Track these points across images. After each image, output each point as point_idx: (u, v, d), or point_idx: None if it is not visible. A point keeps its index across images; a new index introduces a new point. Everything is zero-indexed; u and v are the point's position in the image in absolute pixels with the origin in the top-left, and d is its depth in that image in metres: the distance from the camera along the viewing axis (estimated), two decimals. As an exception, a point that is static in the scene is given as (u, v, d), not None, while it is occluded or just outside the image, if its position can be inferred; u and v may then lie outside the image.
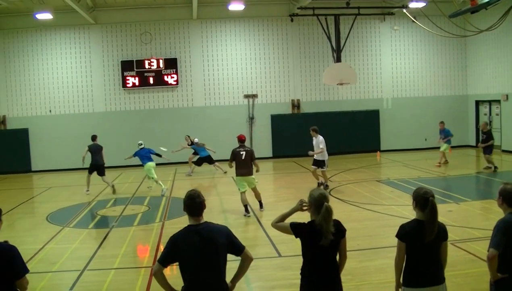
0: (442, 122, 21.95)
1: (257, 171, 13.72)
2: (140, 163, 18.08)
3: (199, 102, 26.18)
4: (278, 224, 5.31)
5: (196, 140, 21.99)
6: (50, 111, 25.77)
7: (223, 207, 14.74)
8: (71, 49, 25.80)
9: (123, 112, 25.90)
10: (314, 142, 16.56)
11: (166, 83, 25.78)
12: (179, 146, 22.03)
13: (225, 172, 21.25)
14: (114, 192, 17.80)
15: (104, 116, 25.67)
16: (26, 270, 4.79)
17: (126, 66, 25.59)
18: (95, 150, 18.60)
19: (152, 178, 17.77)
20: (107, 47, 25.87)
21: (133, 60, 25.59)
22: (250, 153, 13.47)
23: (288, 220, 5.27)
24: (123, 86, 25.70)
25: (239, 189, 13.47)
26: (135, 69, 25.57)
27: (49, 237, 12.06)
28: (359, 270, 8.60)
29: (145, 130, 25.18)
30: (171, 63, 25.74)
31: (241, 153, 13.35)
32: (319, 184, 16.42)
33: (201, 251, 4.75)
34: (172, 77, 25.73)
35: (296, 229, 5.10)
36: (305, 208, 5.23)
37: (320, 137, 16.37)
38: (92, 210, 15.36)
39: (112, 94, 25.90)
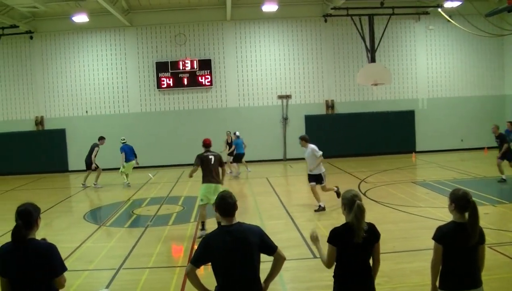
0: (509, 122, 20.00)
1: (222, 178, 11.82)
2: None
3: (233, 103, 26.26)
4: (325, 258, 5.16)
5: (237, 133, 21.97)
6: (87, 112, 26.22)
7: (258, 207, 14.72)
8: (107, 51, 26.20)
9: (158, 113, 26.16)
10: (305, 154, 13.82)
11: (200, 84, 25.91)
12: (224, 146, 22.07)
13: (239, 173, 21.86)
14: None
15: (139, 117, 25.96)
16: (64, 268, 4.83)
17: (161, 67, 25.85)
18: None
19: (126, 174, 19.69)
20: (142, 49, 26.18)
21: (167, 62, 25.84)
22: (218, 158, 11.76)
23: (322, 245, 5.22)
24: (157, 87, 25.96)
25: (200, 200, 11.62)
26: (170, 70, 25.81)
27: (86, 235, 12.22)
28: (396, 272, 8.48)
29: (179, 130, 25.39)
30: (205, 64, 25.87)
31: (210, 157, 11.62)
32: (336, 192, 14.33)
33: (234, 251, 4.73)
34: (206, 78, 25.86)
35: (333, 238, 5.04)
36: (314, 234, 5.38)
37: (312, 146, 13.63)
38: (128, 209, 15.54)
39: (147, 95, 26.20)
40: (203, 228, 11.57)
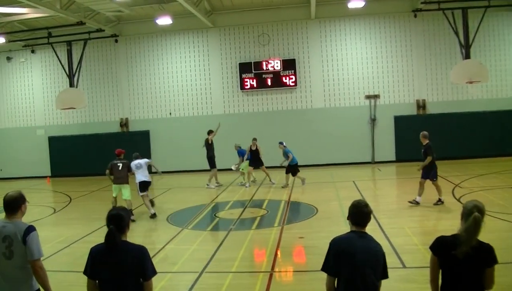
0: None
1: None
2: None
3: (318, 104, 26.12)
4: (433, 281, 5.01)
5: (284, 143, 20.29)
6: (170, 113, 26.99)
7: (343, 212, 14.51)
8: (190, 52, 26.81)
9: (241, 115, 26.48)
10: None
11: (285, 85, 25.96)
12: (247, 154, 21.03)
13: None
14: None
15: (222, 118, 26.18)
16: (155, 272, 4.98)
17: (244, 68, 26.13)
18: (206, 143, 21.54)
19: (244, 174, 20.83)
20: (225, 50, 26.58)
21: (251, 62, 26.08)
22: (127, 165, 15.34)
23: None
24: (241, 88, 26.27)
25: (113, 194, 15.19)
26: (253, 71, 26.03)
27: (169, 237, 12.51)
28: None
29: (263, 132, 25.46)
30: (290, 64, 25.90)
31: (118, 164, 15.31)
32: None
33: (359, 258, 4.73)
34: (290, 79, 25.87)
35: (437, 247, 4.88)
36: None
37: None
38: (210, 212, 15.79)
39: (230, 97, 26.56)
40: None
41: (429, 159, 14.41)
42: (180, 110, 27.00)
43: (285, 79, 25.92)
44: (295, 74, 25.86)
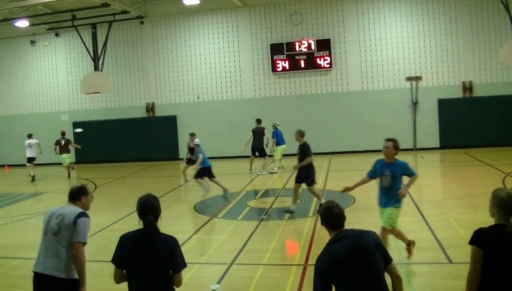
0: None
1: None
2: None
3: (355, 86, 25.67)
4: (475, 276, 4.71)
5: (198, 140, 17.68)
6: (198, 97, 26.95)
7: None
8: (218, 34, 26.64)
9: (273, 99, 26.22)
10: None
11: (319, 67, 25.58)
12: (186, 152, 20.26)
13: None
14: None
15: (253, 102, 26.15)
16: (185, 265, 4.96)
17: (276, 49, 25.84)
18: (258, 132, 21.17)
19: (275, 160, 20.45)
20: (256, 30, 26.31)
21: (283, 43, 25.78)
22: (67, 141, 22.58)
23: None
24: (272, 71, 26.00)
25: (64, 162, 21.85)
26: (285, 52, 25.73)
27: (197, 227, 12.40)
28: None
29: (296, 116, 25.18)
30: (324, 45, 25.48)
31: (61, 141, 22.46)
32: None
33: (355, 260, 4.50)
34: (325, 60, 25.48)
35: (479, 240, 4.61)
36: None
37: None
38: (241, 201, 15.62)
39: (261, 79, 26.34)
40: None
41: (308, 160, 13.04)
42: (208, 95, 26.92)
43: (319, 60, 25.54)
44: (330, 55, 25.45)
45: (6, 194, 19.65)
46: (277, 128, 21.09)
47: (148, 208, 4.91)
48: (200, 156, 16.35)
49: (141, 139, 27.39)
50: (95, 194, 16.37)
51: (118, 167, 25.28)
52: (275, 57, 25.88)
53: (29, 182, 22.21)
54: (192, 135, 19.14)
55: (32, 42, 29.15)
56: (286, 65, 25.82)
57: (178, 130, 27.11)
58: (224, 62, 26.73)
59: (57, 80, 29.20)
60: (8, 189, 20.94)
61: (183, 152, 26.47)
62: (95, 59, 25.75)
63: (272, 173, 20.61)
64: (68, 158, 23.21)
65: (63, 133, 23.61)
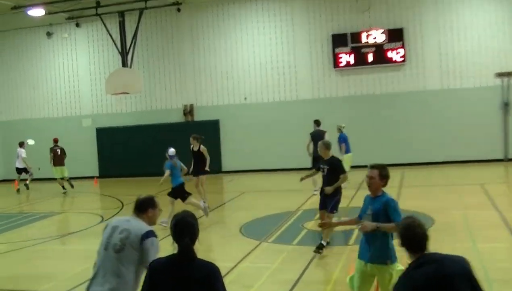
0: None
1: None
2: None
3: (433, 84, 25.41)
4: None
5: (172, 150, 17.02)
6: (245, 99, 27.08)
7: (468, 225, 13.86)
8: (270, 22, 26.74)
9: (334, 99, 26.15)
10: None
11: (390, 61, 25.49)
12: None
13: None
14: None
15: (310, 104, 26.05)
16: None
17: (338, 41, 25.82)
18: (317, 136, 19.23)
19: None
20: (314, 19, 26.33)
21: (346, 34, 25.76)
22: (62, 150, 23.91)
23: None
24: (334, 66, 25.98)
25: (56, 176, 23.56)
26: (350, 45, 25.70)
27: (243, 253, 12.31)
28: None
29: (362, 121, 25.04)
30: (396, 35, 25.38)
31: (57, 149, 23.58)
32: None
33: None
34: (397, 53, 25.36)
35: None
36: None
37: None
38: (296, 222, 15.51)
39: (321, 76, 26.30)
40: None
41: (344, 177, 12.32)
42: (257, 95, 27.02)
43: (391, 53, 25.44)
44: (403, 47, 25.32)
45: (16, 214, 20.06)
46: (342, 131, 20.80)
47: (185, 228, 4.88)
48: (167, 171, 15.92)
49: (177, 149, 27.27)
50: (120, 214, 16.63)
51: (149, 182, 25.08)
52: (337, 50, 25.83)
53: (42, 199, 22.59)
54: (195, 138, 18.93)
55: (49, 34, 29.60)
56: (351, 59, 25.75)
57: (220, 137, 27.27)
58: (277, 56, 26.77)
59: (77, 78, 29.68)
60: (19, 208, 21.39)
61: (226, 163, 26.67)
62: (123, 53, 26.05)
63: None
64: (64, 171, 23.69)
65: (56, 141, 24.10)
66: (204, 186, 18.36)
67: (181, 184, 15.96)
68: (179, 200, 15.62)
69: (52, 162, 23.64)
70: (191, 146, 18.96)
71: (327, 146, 12.47)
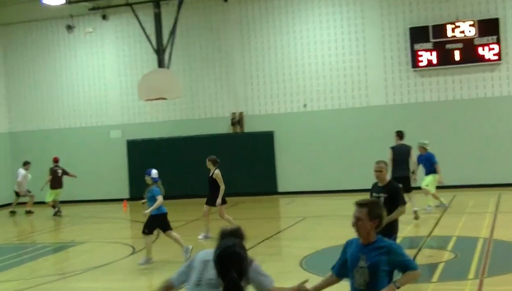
0: None
1: None
2: None
3: (536, 88, 25.13)
4: None
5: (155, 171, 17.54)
6: (305, 106, 27.13)
7: None
8: (334, 15, 26.93)
9: (413, 105, 26.09)
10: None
11: (481, 59, 25.34)
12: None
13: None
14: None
15: (384, 111, 26.12)
16: None
17: (418, 35, 25.76)
18: (401, 152, 19.57)
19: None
20: (389, 9, 26.39)
21: (427, 27, 25.69)
22: (63, 171, 25.28)
23: None
24: (412, 67, 25.93)
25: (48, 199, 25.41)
26: (431, 40, 25.59)
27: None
28: None
29: (447, 132, 24.85)
30: (489, 28, 25.22)
31: (58, 170, 25.21)
32: None
33: None
34: (490, 50, 25.18)
35: None
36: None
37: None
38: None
39: (396, 79, 26.26)
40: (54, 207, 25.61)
41: (402, 210, 11.74)
42: (319, 101, 27.05)
43: (483, 50, 25.26)
44: (498, 43, 25.10)
45: (28, 245, 20.15)
46: (427, 150, 20.54)
47: (230, 260, 4.86)
48: (160, 198, 16.06)
49: (223, 165, 27.18)
50: (155, 245, 16.72)
51: (189, 205, 25.20)
52: (416, 46, 25.75)
53: (59, 226, 22.91)
54: (212, 161, 18.76)
55: (69, 27, 29.01)
56: (433, 58, 25.63)
57: (275, 152, 27.33)
58: (343, 55, 26.81)
59: (104, 81, 30.01)
60: (31, 237, 21.67)
61: (283, 183, 26.64)
62: (159, 51, 26.12)
63: (427, 210, 20.30)
64: (59, 194, 24.57)
65: (56, 161, 24.77)
66: (225, 216, 18.09)
67: (165, 213, 16.12)
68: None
69: (49, 184, 24.48)
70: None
71: (384, 167, 12.06)
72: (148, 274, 14.77)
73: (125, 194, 28.72)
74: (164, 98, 25.26)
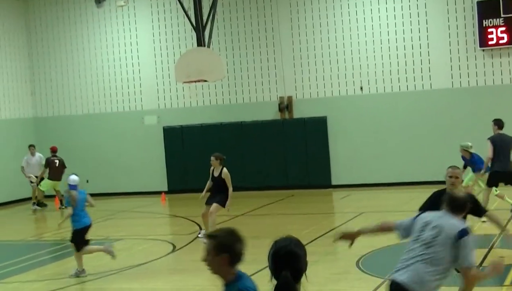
0: None
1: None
2: None
3: None
4: None
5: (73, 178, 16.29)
6: (361, 89, 27.27)
7: None
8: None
9: (482, 89, 26.00)
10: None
11: None
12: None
13: None
14: None
15: (449, 95, 26.19)
16: None
17: (487, 10, 25.64)
18: (503, 144, 18.97)
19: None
20: (454, -21, 26.13)
21: (498, 0, 25.54)
22: (62, 162, 25.98)
23: None
24: (481, 46, 25.86)
25: (43, 188, 26.62)
26: (502, 15, 25.47)
27: (363, 292, 12.72)
28: None
29: None
30: None
31: (55, 161, 25.81)
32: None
33: None
34: None
35: None
36: None
37: None
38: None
39: (462, 59, 26.19)
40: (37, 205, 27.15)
41: None
42: (377, 84, 27.15)
43: (560, 26, 25.07)
44: None
45: (59, 241, 20.32)
46: (470, 151, 20.04)
47: (285, 258, 4.82)
48: (69, 209, 15.88)
49: (271, 154, 27.62)
50: (197, 242, 16.94)
51: (236, 199, 25.24)
52: (485, 22, 25.66)
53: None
54: (218, 158, 18.42)
55: (99, 1, 27.98)
56: (504, 36, 25.55)
57: (329, 140, 27.38)
58: (403, 33, 26.80)
59: (138, 62, 30.17)
60: (62, 234, 22.03)
61: (336, 176, 26.71)
62: (199, 28, 25.88)
63: None
64: (57, 185, 25.27)
65: (54, 150, 25.43)
66: (213, 216, 17.85)
67: (89, 226, 16.09)
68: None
69: (46, 175, 25.26)
70: (211, 169, 18.55)
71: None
72: (190, 274, 15.02)
73: (163, 187, 28.77)
74: (205, 81, 25.03)
